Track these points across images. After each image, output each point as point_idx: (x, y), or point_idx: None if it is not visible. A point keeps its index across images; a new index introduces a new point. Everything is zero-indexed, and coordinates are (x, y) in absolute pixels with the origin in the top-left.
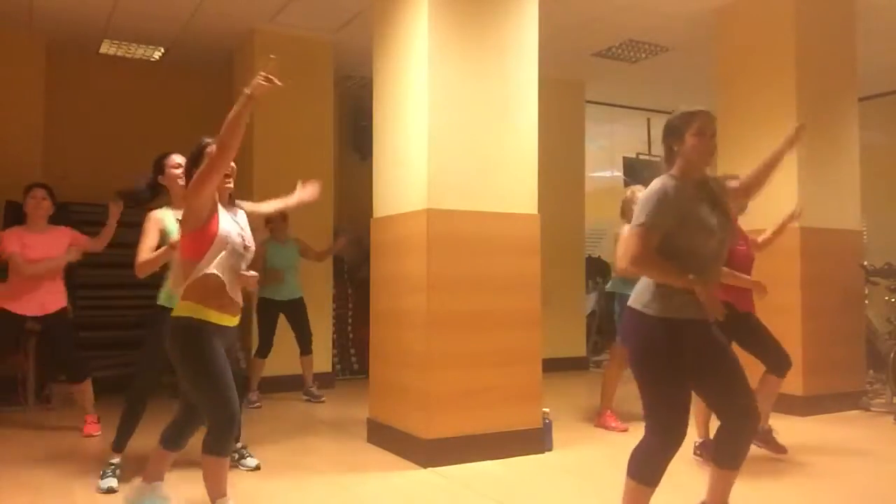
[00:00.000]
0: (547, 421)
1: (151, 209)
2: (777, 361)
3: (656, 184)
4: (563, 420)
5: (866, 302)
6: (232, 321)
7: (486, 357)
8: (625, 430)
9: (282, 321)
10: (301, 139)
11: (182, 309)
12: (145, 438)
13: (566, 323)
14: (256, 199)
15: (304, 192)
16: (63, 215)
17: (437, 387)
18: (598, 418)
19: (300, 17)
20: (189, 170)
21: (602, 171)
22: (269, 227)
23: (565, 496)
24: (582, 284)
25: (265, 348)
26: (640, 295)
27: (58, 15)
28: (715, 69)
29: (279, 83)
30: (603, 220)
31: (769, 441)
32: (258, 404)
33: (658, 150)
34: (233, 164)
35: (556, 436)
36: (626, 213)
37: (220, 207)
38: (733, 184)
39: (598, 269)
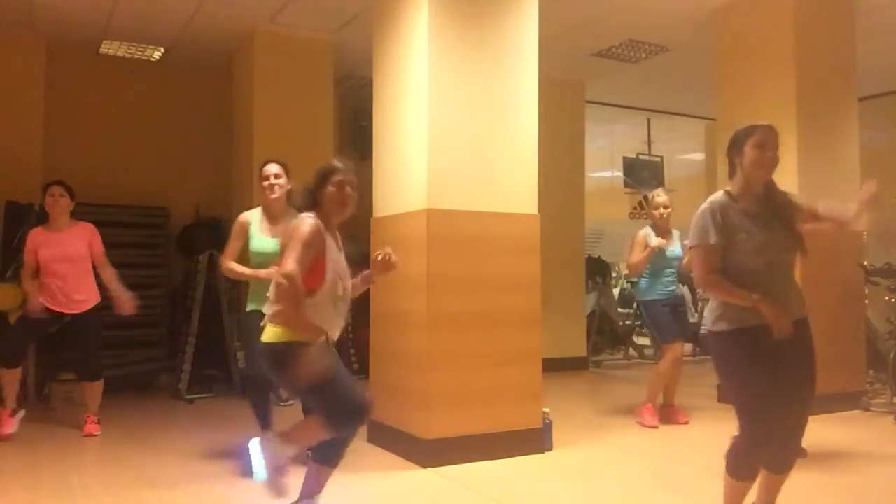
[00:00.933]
0: (547, 421)
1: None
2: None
3: (706, 203)
4: (563, 420)
5: (866, 302)
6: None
7: (486, 357)
8: (655, 427)
9: None
10: (301, 139)
11: (273, 336)
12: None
13: (566, 323)
14: (256, 200)
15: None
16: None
17: (437, 387)
18: (637, 409)
19: (300, 17)
20: (313, 192)
21: (602, 171)
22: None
23: (565, 496)
24: (582, 284)
25: None
26: (710, 317)
27: (58, 15)
28: (715, 69)
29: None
30: (603, 220)
31: None
32: (290, 402)
33: (657, 149)
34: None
35: (556, 436)
36: (651, 217)
37: (329, 248)
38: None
39: (598, 269)
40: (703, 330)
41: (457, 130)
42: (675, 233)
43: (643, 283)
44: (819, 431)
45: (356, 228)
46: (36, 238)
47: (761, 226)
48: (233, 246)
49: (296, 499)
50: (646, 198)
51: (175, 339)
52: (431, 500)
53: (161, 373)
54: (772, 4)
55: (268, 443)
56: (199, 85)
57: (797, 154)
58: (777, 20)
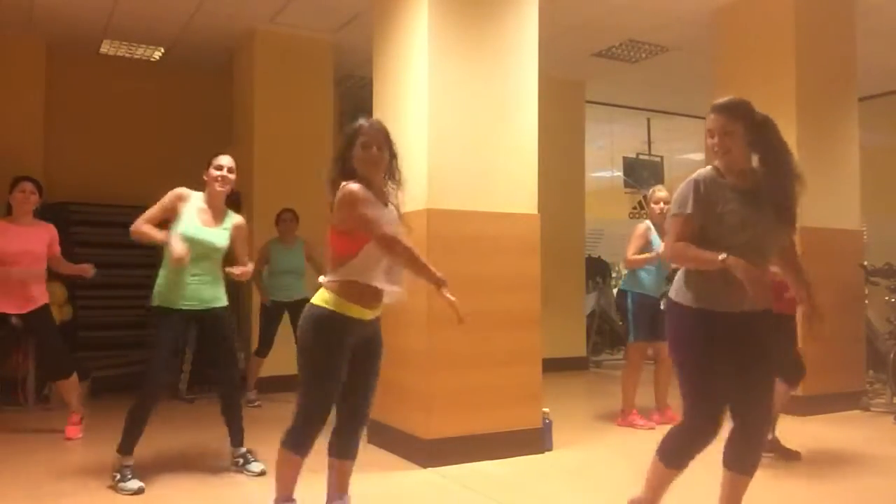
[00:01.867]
0: (547, 421)
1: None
2: (790, 370)
3: (691, 177)
4: (562, 420)
5: (866, 302)
6: (372, 314)
7: (486, 357)
8: (652, 428)
9: (283, 320)
10: (301, 139)
11: (323, 299)
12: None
13: (566, 323)
14: (256, 199)
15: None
16: (63, 215)
17: (437, 387)
18: (621, 418)
19: (300, 17)
20: (343, 157)
21: (602, 171)
22: (279, 229)
23: (565, 496)
24: (582, 284)
25: (265, 348)
26: (676, 285)
27: (58, 15)
28: (715, 69)
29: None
30: (603, 220)
31: (777, 449)
32: (258, 403)
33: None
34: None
35: (556, 436)
36: (650, 213)
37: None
38: None
39: (598, 269)
40: (666, 298)
41: (457, 130)
42: None
43: (640, 274)
44: (819, 431)
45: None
46: None
47: (748, 202)
48: (156, 212)
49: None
50: (645, 198)
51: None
52: (431, 500)
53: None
54: (772, 4)
55: None
56: (199, 85)
57: (797, 154)
58: (777, 20)
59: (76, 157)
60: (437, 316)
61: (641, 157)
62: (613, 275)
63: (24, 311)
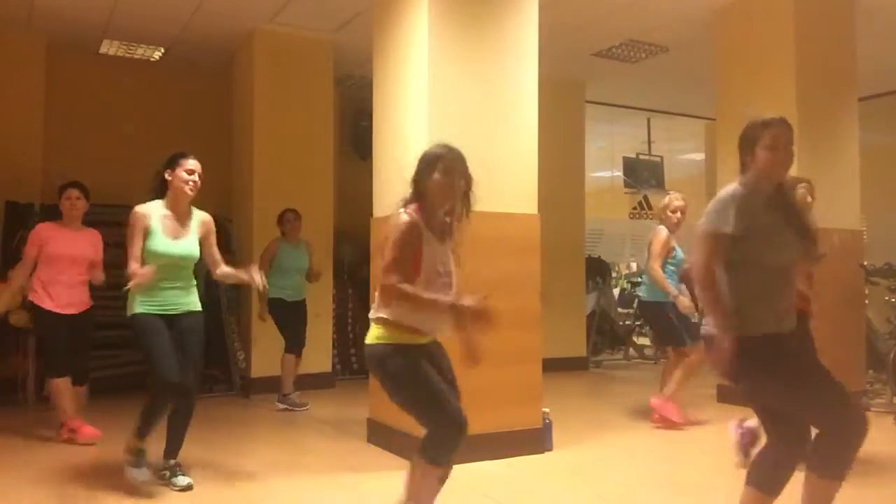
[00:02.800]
0: (547, 421)
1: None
2: None
3: (725, 191)
4: (563, 420)
5: (866, 302)
6: (428, 339)
7: (485, 357)
8: (679, 428)
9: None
10: (301, 139)
11: (376, 336)
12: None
13: (566, 323)
14: (256, 199)
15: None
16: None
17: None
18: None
19: (300, 17)
20: (418, 181)
21: (602, 171)
22: (282, 229)
23: (565, 496)
24: (582, 284)
25: (295, 346)
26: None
27: (58, 15)
28: (715, 69)
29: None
30: (603, 220)
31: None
32: (306, 406)
33: (657, 150)
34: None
35: (556, 436)
36: (662, 219)
37: (426, 241)
38: (802, 189)
39: (598, 269)
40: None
41: (457, 130)
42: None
43: (650, 284)
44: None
45: (356, 228)
46: (45, 232)
47: (779, 223)
48: (137, 247)
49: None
50: (646, 198)
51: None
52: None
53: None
54: (772, 4)
55: None
56: (199, 85)
57: (797, 154)
58: (777, 20)
59: (76, 157)
60: None
61: (641, 157)
62: (613, 275)
63: (73, 313)
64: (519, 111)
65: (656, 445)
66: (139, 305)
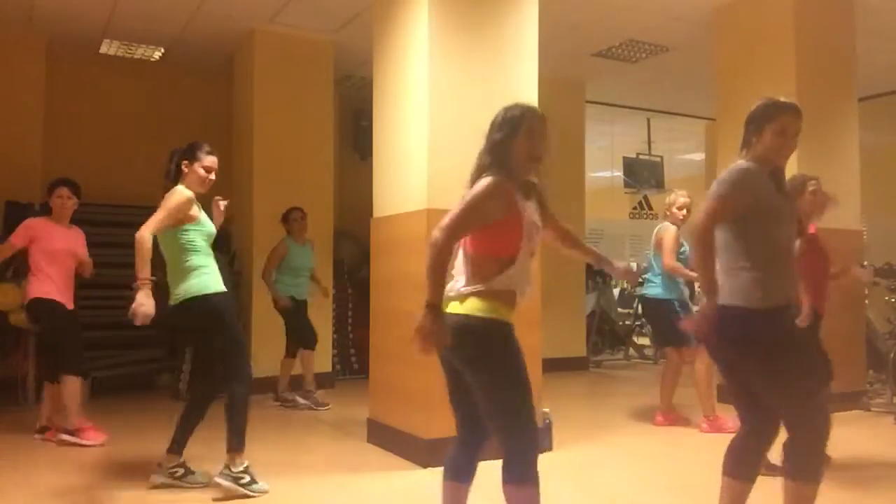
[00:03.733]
0: (547, 421)
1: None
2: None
3: (737, 165)
4: (563, 420)
5: (866, 302)
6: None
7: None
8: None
9: (281, 320)
10: (301, 139)
11: (478, 308)
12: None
13: (566, 323)
14: (256, 199)
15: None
16: None
17: (437, 387)
18: (708, 424)
19: (300, 17)
20: (502, 144)
21: (602, 171)
22: (288, 228)
23: (565, 496)
24: (582, 284)
25: (311, 339)
26: (741, 291)
27: (58, 15)
28: (715, 69)
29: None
30: (603, 220)
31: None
32: (328, 406)
33: (657, 150)
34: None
35: (556, 436)
36: (668, 215)
37: (522, 206)
38: (812, 186)
39: (597, 269)
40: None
41: (457, 130)
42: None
43: (662, 281)
44: None
45: (356, 228)
46: (37, 227)
47: (780, 200)
48: (173, 218)
49: None
50: (646, 198)
51: (175, 338)
52: (431, 500)
53: (161, 373)
54: (772, 4)
55: None
56: (199, 85)
57: (797, 154)
58: (777, 20)
59: (76, 157)
60: None
61: (641, 157)
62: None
63: (71, 308)
64: None
65: (656, 445)
66: (212, 282)
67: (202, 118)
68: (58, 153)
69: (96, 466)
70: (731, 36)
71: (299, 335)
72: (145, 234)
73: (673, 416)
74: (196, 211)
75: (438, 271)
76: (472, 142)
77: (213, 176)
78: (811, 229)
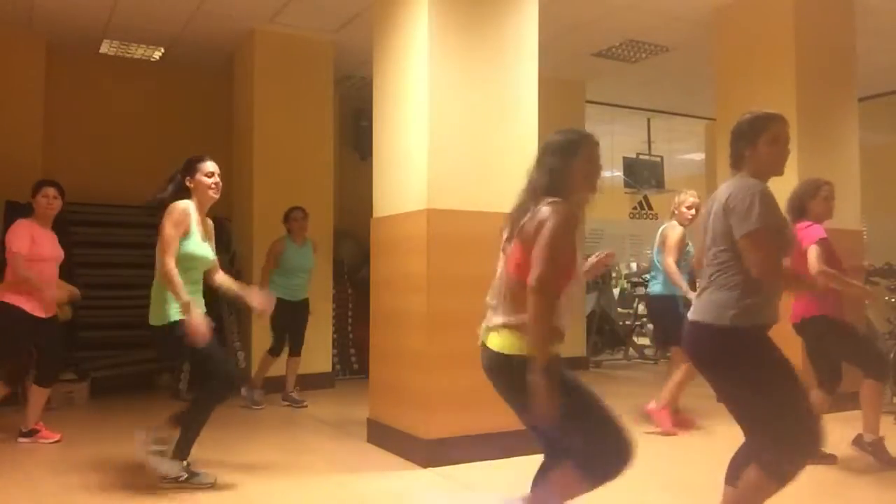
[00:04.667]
0: None
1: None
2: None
3: (753, 185)
4: None
5: (866, 302)
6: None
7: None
8: (673, 434)
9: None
10: (301, 139)
11: (513, 346)
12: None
13: None
14: (255, 199)
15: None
16: (62, 215)
17: (437, 387)
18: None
19: (300, 17)
20: (563, 167)
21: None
22: (288, 227)
23: None
24: (582, 284)
25: (279, 346)
26: (717, 310)
27: (58, 15)
28: (715, 69)
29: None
30: (603, 220)
31: (879, 451)
32: (262, 406)
33: (657, 150)
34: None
35: None
36: (676, 215)
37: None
38: (825, 192)
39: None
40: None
41: (457, 130)
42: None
43: (665, 279)
44: None
45: (356, 228)
46: (32, 231)
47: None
48: (180, 227)
49: None
50: (646, 198)
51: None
52: (431, 500)
53: (161, 373)
54: (772, 4)
55: None
56: (199, 85)
57: (797, 154)
58: (777, 20)
59: (75, 157)
60: (436, 316)
61: (641, 157)
62: (613, 275)
63: (47, 315)
64: (519, 111)
65: (656, 446)
66: (176, 312)
67: (202, 118)
68: (58, 153)
69: (96, 467)
70: (731, 36)
71: (276, 336)
72: (169, 263)
73: (679, 417)
74: (192, 226)
75: (546, 323)
76: (473, 142)
77: (217, 179)
78: (822, 233)
